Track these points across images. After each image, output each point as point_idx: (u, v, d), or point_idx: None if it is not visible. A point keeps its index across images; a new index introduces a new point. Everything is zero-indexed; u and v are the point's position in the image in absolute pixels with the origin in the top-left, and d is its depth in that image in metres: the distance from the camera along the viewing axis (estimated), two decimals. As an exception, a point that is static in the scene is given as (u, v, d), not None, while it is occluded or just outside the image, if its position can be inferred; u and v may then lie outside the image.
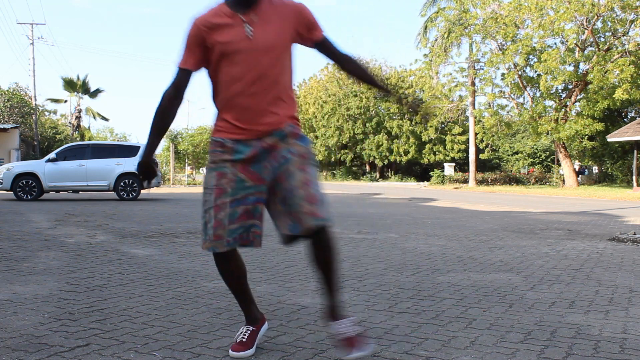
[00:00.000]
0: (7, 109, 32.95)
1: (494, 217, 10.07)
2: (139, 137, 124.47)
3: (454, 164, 38.66)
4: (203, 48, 2.21)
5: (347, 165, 49.71)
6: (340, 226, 7.98)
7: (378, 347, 2.51)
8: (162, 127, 2.34)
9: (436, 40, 31.93)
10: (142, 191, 15.47)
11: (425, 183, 37.74)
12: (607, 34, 26.32)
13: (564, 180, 29.64)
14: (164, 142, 37.94)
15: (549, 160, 40.70)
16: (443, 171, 37.10)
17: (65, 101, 39.57)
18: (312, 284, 3.87)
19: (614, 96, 24.10)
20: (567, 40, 25.33)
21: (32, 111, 33.82)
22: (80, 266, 4.49)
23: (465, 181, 33.99)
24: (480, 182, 33.00)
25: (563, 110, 27.66)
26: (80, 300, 3.32)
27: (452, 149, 42.56)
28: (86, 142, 18.81)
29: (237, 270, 2.41)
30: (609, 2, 23.15)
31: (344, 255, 5.25)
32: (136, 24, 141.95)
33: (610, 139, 26.13)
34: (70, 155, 14.33)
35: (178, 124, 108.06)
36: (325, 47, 2.39)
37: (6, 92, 33.82)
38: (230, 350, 2.37)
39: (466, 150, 39.60)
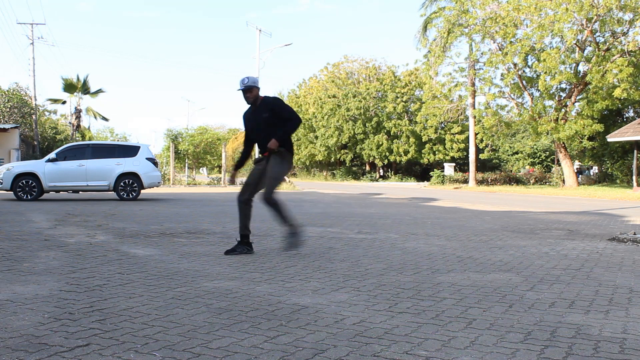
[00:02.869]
0: (7, 109, 32.95)
1: (494, 217, 10.07)
2: (139, 137, 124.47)
3: (454, 164, 38.65)
4: None
5: (347, 165, 49.73)
6: (340, 226, 7.98)
7: (378, 347, 2.51)
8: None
9: (435, 40, 31.89)
10: (143, 191, 15.48)
11: (425, 183, 37.73)
12: (606, 34, 26.32)
13: (563, 180, 29.63)
14: (164, 142, 37.94)
15: (549, 160, 40.69)
16: (443, 171, 37.08)
17: (64, 102, 39.52)
18: (312, 284, 3.87)
19: (613, 94, 24.12)
20: (566, 41, 25.32)
21: (32, 111, 33.81)
22: (80, 266, 4.49)
23: (465, 181, 33.98)
24: (480, 182, 33.00)
25: (563, 110, 27.66)
26: (80, 300, 3.31)
27: (452, 148, 42.55)
28: (86, 142, 18.79)
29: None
30: (607, 3, 23.14)
31: (344, 255, 5.25)
32: (138, 27, 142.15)
33: (610, 139, 26.13)
34: (70, 155, 14.32)
35: (178, 124, 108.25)
36: None
37: (6, 92, 33.80)
38: None
39: (466, 150, 39.58)
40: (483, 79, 30.08)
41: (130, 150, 14.90)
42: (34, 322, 2.83)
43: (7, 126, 25.90)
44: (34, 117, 33.61)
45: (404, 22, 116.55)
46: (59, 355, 2.35)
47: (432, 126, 41.65)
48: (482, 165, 42.62)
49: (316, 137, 48.37)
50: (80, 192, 15.31)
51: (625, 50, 24.19)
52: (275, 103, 5.17)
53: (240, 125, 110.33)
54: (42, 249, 5.43)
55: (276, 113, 5.11)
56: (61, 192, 15.84)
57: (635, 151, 24.85)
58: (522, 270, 4.53)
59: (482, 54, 30.33)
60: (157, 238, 6.40)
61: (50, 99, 39.63)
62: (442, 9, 31.22)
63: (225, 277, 4.09)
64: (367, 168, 50.40)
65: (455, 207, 13.17)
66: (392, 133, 44.63)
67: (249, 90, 5.13)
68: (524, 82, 29.25)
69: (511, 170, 40.68)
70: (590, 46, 26.91)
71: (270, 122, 5.12)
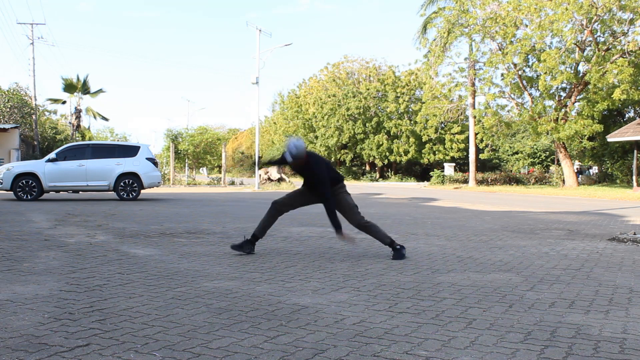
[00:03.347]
0: (7, 109, 32.95)
1: (494, 217, 10.07)
2: (139, 137, 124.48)
3: (454, 164, 38.64)
4: None
5: (347, 165, 49.74)
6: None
7: (378, 347, 2.51)
8: None
9: (435, 40, 31.87)
10: (143, 191, 15.48)
11: (425, 183, 37.71)
12: (606, 34, 26.30)
13: (563, 180, 29.62)
14: (164, 142, 37.96)
15: (549, 160, 40.68)
16: (443, 171, 37.08)
17: (64, 102, 39.49)
18: (312, 284, 3.87)
19: (612, 96, 24.12)
20: (566, 41, 25.30)
21: (32, 111, 33.81)
22: (80, 266, 4.49)
23: (465, 181, 33.97)
24: (480, 182, 32.99)
25: (563, 110, 27.66)
26: (80, 300, 3.32)
27: (452, 148, 42.55)
28: (86, 142, 18.79)
29: None
30: (607, 3, 23.13)
31: (344, 255, 5.25)
32: (138, 27, 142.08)
33: (610, 139, 26.12)
34: (70, 155, 14.31)
35: (178, 124, 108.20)
36: None
37: (6, 92, 33.80)
38: None
39: (466, 150, 39.56)
40: (483, 79, 30.07)
41: (130, 150, 14.89)
42: (34, 322, 2.83)
43: (7, 126, 25.89)
44: (34, 117, 33.60)
45: (404, 22, 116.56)
46: (59, 355, 2.35)
47: (432, 126, 41.63)
48: (482, 165, 42.61)
49: (316, 137, 48.34)
50: (80, 192, 15.31)
51: (625, 51, 24.18)
52: (312, 166, 5.13)
53: (239, 125, 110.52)
54: (42, 249, 5.43)
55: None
56: (61, 192, 15.84)
57: (635, 151, 24.84)
58: (522, 270, 4.53)
59: (482, 54, 30.30)
60: (157, 238, 6.40)
61: (50, 99, 39.61)
62: (442, 9, 31.18)
63: (225, 277, 4.09)
64: (367, 168, 50.40)
65: (455, 207, 13.17)
66: (392, 133, 44.63)
67: (296, 160, 5.09)
68: (524, 82, 29.23)
69: (511, 170, 40.67)
70: (590, 46, 26.90)
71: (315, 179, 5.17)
